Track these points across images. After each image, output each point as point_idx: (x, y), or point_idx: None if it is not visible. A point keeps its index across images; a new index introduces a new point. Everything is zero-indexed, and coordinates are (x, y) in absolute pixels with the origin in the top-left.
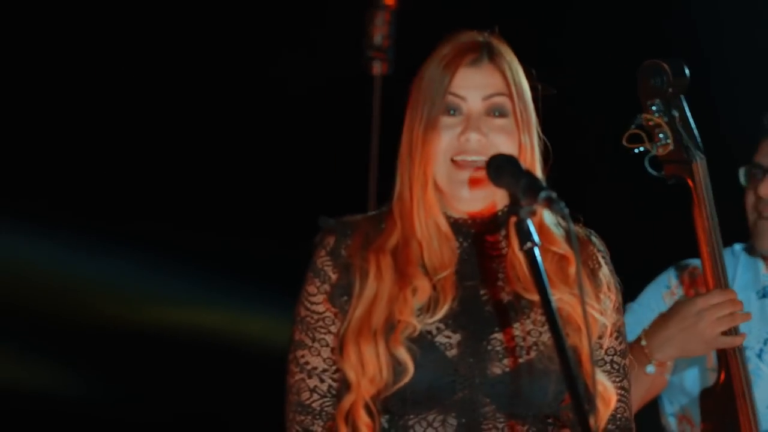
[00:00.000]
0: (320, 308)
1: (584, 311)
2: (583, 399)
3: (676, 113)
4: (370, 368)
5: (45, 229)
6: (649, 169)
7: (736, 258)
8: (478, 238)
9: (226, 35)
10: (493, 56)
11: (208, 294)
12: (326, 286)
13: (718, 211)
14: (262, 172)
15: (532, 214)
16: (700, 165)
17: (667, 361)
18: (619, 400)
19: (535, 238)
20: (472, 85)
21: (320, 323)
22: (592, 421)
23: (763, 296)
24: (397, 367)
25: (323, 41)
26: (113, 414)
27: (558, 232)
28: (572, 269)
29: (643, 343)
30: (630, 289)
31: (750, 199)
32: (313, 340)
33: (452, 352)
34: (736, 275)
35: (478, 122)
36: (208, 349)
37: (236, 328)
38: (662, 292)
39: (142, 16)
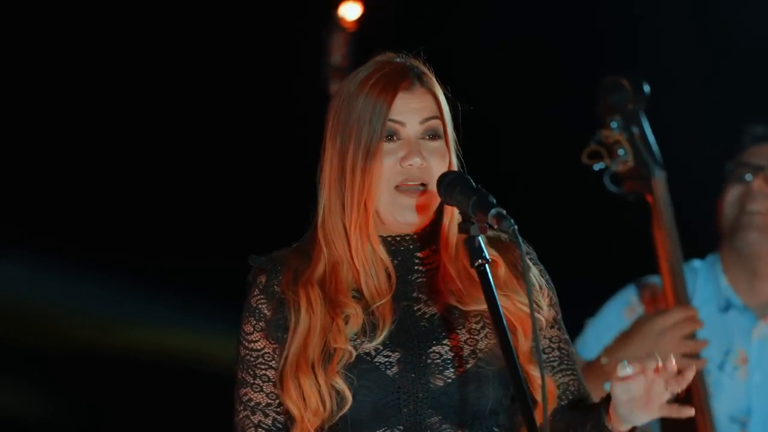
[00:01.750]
0: (258, 345)
1: (532, 314)
2: (528, 396)
3: (635, 129)
4: (312, 401)
5: (8, 251)
6: (609, 186)
7: (694, 273)
8: (410, 255)
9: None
10: (422, 80)
11: (174, 316)
12: (262, 323)
13: (678, 227)
14: (228, 194)
15: (482, 230)
16: (659, 181)
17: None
18: (569, 376)
19: (486, 254)
20: (410, 110)
21: (260, 360)
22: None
23: (725, 309)
24: (337, 396)
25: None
26: None
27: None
28: (500, 271)
29: (604, 361)
30: (595, 305)
31: (731, 194)
32: (254, 377)
33: (393, 371)
34: (695, 290)
35: (418, 146)
36: (175, 371)
37: (203, 350)
38: (622, 308)
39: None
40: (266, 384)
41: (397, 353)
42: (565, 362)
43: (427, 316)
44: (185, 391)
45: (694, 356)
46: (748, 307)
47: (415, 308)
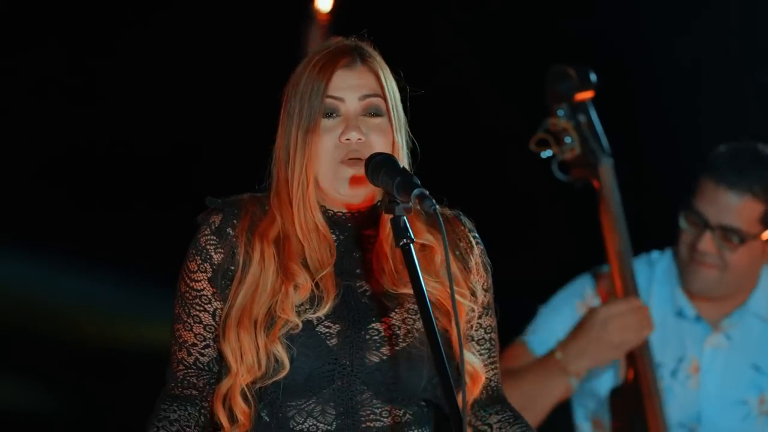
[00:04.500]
0: (198, 285)
1: (453, 301)
2: (451, 380)
3: (582, 118)
4: (248, 357)
5: (22, 248)
6: (557, 173)
7: (652, 268)
8: (355, 232)
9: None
10: (365, 59)
11: None
12: (207, 265)
13: (629, 215)
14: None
15: (407, 211)
16: (606, 168)
17: (582, 372)
18: (493, 371)
19: (411, 234)
20: (348, 87)
21: (196, 300)
22: (460, 398)
23: (679, 315)
24: (274, 362)
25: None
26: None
27: (421, 223)
28: (437, 257)
29: (559, 356)
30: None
31: (685, 239)
32: (188, 315)
33: (332, 342)
34: (652, 288)
35: (357, 122)
36: None
37: None
38: (576, 301)
39: None
40: (196, 325)
41: (338, 326)
42: (493, 355)
43: (368, 293)
44: None
45: (639, 346)
46: (701, 318)
47: (357, 284)
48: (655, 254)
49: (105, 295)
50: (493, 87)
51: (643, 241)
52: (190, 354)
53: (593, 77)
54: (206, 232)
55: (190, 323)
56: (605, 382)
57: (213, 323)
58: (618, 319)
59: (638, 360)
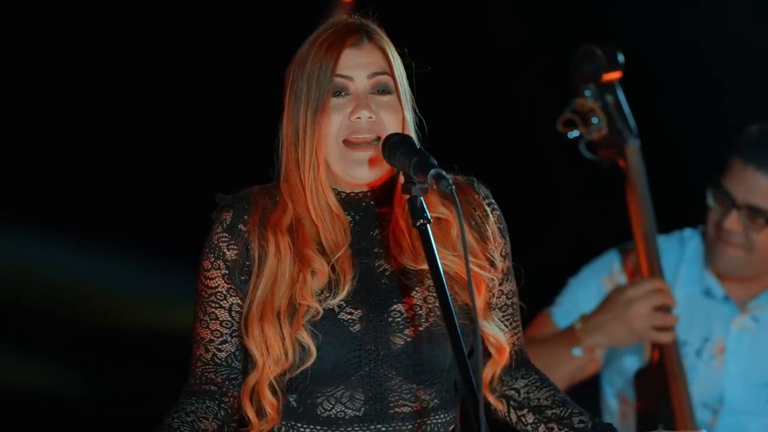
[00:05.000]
0: (213, 283)
1: (469, 278)
2: (466, 358)
3: (609, 98)
4: (274, 349)
5: (54, 233)
6: (584, 153)
7: (682, 246)
8: (370, 211)
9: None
10: (371, 36)
11: None
12: (220, 262)
13: (656, 196)
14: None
15: (424, 191)
16: (632, 148)
17: (595, 347)
18: (517, 335)
19: (428, 214)
20: (357, 65)
21: (212, 297)
22: (480, 374)
23: (707, 295)
24: (301, 350)
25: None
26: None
27: (435, 197)
28: (453, 230)
29: (578, 326)
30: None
31: (713, 217)
32: (204, 313)
33: (356, 328)
34: (681, 266)
35: (366, 100)
36: None
37: None
38: (603, 276)
39: None
40: (213, 321)
41: (359, 310)
42: (516, 319)
43: (387, 273)
44: None
45: (665, 329)
46: (729, 298)
47: (376, 264)
48: (687, 232)
49: (133, 278)
50: (519, 66)
51: (669, 222)
52: (207, 350)
53: (621, 57)
54: (218, 230)
55: (206, 321)
56: (632, 362)
57: (229, 319)
58: (644, 301)
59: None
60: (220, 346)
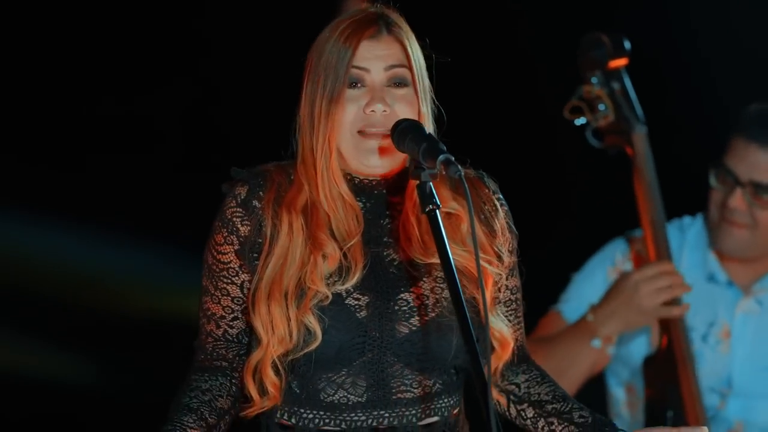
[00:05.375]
0: (226, 258)
1: (480, 275)
2: (477, 348)
3: (616, 85)
4: (279, 329)
5: (68, 222)
6: (591, 140)
7: (683, 233)
8: (382, 199)
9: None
10: (390, 28)
11: None
12: (233, 237)
13: (663, 182)
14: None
15: (433, 177)
16: (639, 135)
17: (613, 336)
18: (519, 331)
19: (437, 200)
20: (374, 57)
21: (224, 273)
22: (488, 365)
23: (710, 280)
24: (306, 333)
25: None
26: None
27: (447, 191)
28: (464, 225)
29: (590, 318)
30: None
31: (715, 197)
32: (215, 288)
33: (362, 314)
34: (683, 252)
35: (382, 93)
36: None
37: None
38: (607, 267)
39: None
40: (224, 297)
41: (366, 297)
42: (519, 315)
43: (396, 262)
44: None
45: (675, 304)
46: (733, 283)
47: (385, 253)
48: (686, 219)
49: (150, 266)
50: (528, 55)
51: (676, 208)
52: (218, 326)
53: (627, 44)
54: (232, 204)
55: (218, 296)
56: (638, 350)
57: (241, 295)
58: (650, 283)
59: (672, 328)
60: (231, 323)
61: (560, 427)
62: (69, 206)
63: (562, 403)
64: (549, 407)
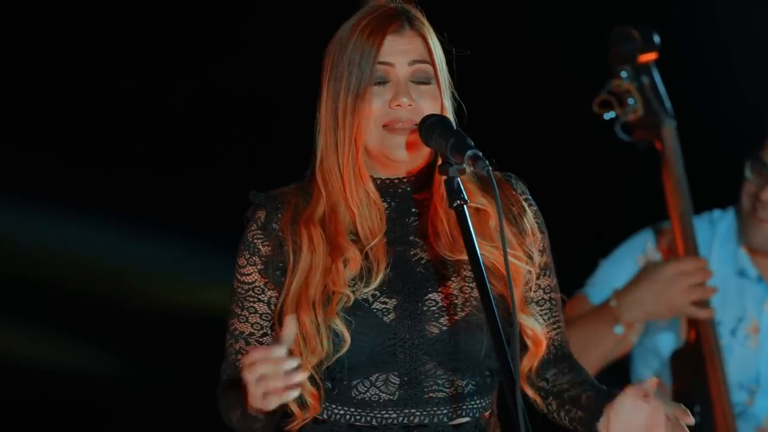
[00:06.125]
0: (249, 279)
1: (507, 268)
2: (505, 345)
3: (645, 79)
4: (311, 339)
5: (99, 216)
6: (620, 134)
7: (713, 227)
8: (406, 197)
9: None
10: (412, 23)
11: None
12: (256, 258)
13: (692, 177)
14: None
15: (461, 172)
16: (668, 129)
17: (634, 323)
18: (556, 330)
19: (464, 195)
20: (398, 52)
21: (249, 293)
22: (517, 363)
23: (740, 275)
24: (335, 337)
25: None
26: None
27: (474, 187)
28: (491, 222)
29: (613, 303)
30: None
31: (749, 189)
32: (242, 308)
33: (390, 317)
34: (713, 246)
35: (407, 87)
36: None
37: None
38: (637, 255)
39: None
40: (252, 315)
41: (393, 300)
42: (555, 315)
43: (423, 261)
44: None
45: (702, 304)
46: (762, 278)
47: (411, 253)
48: (716, 213)
49: (170, 259)
50: (556, 50)
51: (705, 203)
52: (248, 343)
53: (657, 38)
54: (253, 228)
55: (245, 315)
56: (668, 343)
57: (269, 311)
58: (687, 278)
59: (700, 323)
60: (260, 339)
61: (572, 412)
62: (92, 200)
63: (578, 389)
64: (566, 395)
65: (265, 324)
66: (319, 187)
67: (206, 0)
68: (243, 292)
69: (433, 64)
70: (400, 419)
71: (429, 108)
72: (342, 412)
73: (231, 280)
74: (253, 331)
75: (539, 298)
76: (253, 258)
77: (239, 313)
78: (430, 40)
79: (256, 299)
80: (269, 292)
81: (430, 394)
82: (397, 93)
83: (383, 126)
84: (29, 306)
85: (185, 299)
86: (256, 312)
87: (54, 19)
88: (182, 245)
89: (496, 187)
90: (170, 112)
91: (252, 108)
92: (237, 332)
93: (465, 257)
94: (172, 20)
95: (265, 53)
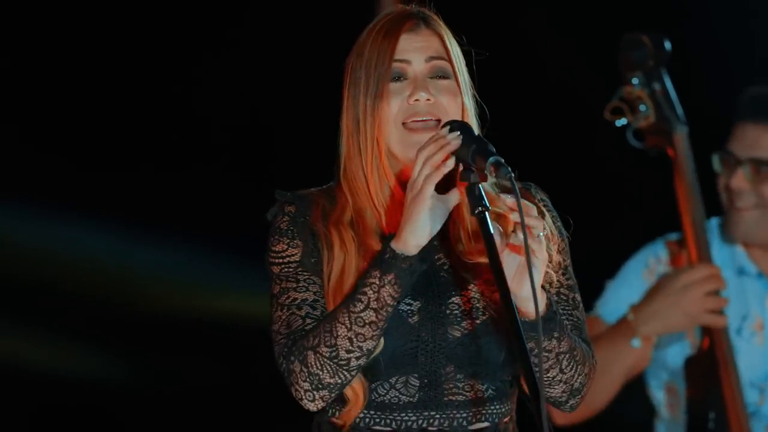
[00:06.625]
0: (295, 258)
1: (529, 266)
2: (526, 347)
3: (657, 86)
4: None
5: (103, 220)
6: (632, 141)
7: (711, 232)
8: None
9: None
10: (428, 22)
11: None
12: (297, 241)
13: (702, 183)
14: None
15: (483, 179)
16: (680, 136)
17: (652, 336)
18: (572, 327)
19: (486, 202)
20: (414, 49)
21: (300, 268)
22: (541, 369)
23: (740, 274)
24: None
25: None
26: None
27: (495, 192)
28: (511, 227)
29: (630, 317)
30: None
31: (721, 182)
32: (297, 281)
33: (414, 319)
34: (713, 250)
35: (425, 83)
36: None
37: None
38: (641, 270)
39: None
40: (312, 285)
41: (418, 302)
42: (572, 314)
43: (446, 266)
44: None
45: (718, 312)
46: (762, 274)
47: (436, 257)
48: (713, 221)
49: (183, 266)
50: (569, 55)
51: (717, 209)
52: (314, 308)
53: (668, 45)
54: (285, 219)
55: (304, 285)
56: (676, 353)
57: (321, 290)
58: (699, 287)
59: (714, 330)
60: (325, 306)
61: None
62: (100, 204)
63: None
64: None
65: (322, 300)
66: (345, 193)
67: (204, 5)
68: (292, 269)
69: (450, 61)
70: (420, 422)
71: (448, 103)
72: (361, 415)
73: (241, 281)
74: (316, 297)
75: (553, 292)
76: (294, 242)
77: (295, 285)
78: (446, 39)
79: (310, 273)
80: (314, 277)
81: (450, 397)
82: (415, 88)
83: (403, 124)
84: (33, 310)
85: (189, 303)
86: (314, 283)
87: (54, 19)
88: (187, 249)
89: (518, 191)
90: (172, 116)
91: (255, 112)
92: (298, 301)
93: (485, 260)
94: (172, 24)
95: (265, 54)
